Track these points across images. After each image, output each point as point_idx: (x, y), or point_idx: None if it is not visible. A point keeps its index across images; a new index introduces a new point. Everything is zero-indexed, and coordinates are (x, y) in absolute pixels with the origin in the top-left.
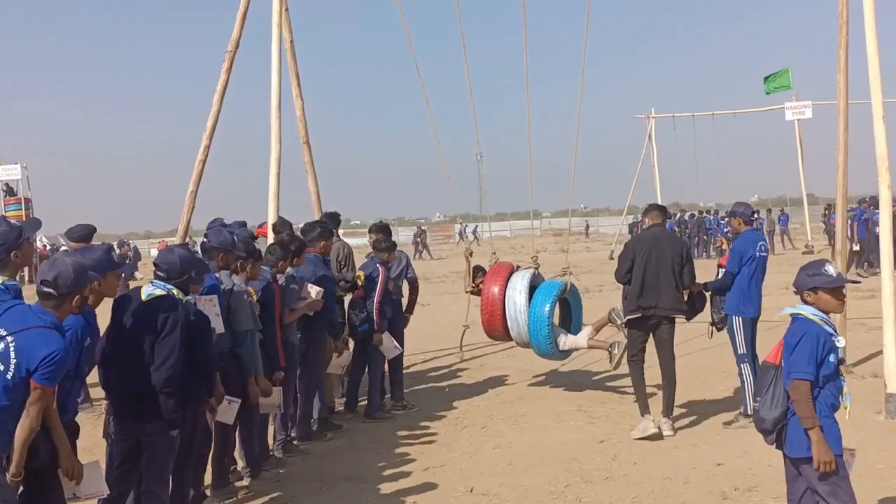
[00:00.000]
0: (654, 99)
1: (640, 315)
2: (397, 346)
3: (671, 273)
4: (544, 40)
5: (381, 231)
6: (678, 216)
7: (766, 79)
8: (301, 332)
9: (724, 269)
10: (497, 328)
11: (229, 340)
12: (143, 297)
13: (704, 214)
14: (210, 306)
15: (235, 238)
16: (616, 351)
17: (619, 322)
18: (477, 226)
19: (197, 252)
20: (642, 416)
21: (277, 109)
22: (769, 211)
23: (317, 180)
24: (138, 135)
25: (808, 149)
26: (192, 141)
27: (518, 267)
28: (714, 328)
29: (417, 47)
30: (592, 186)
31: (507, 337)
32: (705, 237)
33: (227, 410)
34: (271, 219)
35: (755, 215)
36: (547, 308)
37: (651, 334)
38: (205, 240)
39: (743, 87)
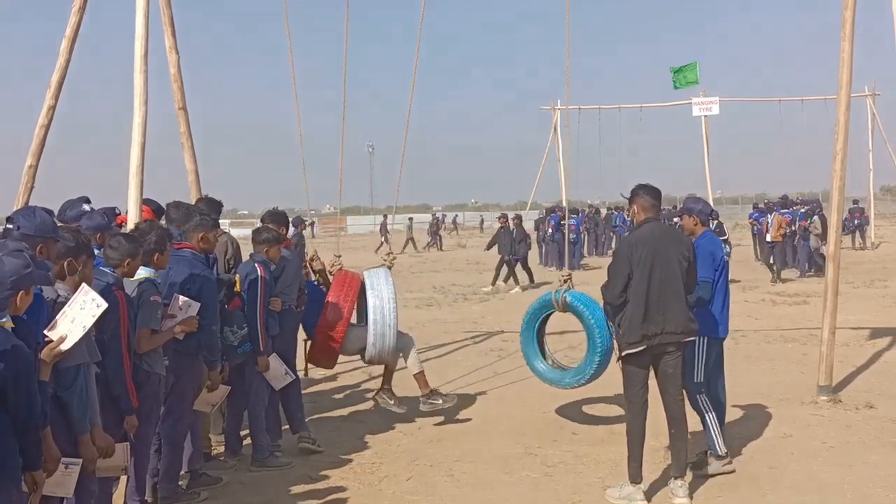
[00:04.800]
0: (559, 90)
1: (644, 347)
2: (288, 371)
3: (680, 284)
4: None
5: (276, 220)
6: (588, 212)
7: (673, 71)
8: (169, 356)
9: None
10: (329, 355)
11: (52, 380)
12: None
13: (612, 211)
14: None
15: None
16: (439, 402)
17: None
18: (456, 215)
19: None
20: (631, 482)
21: (143, 61)
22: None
23: (195, 156)
24: None
25: (714, 146)
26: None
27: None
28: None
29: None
30: (485, 181)
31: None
32: (612, 234)
33: (64, 479)
34: (132, 201)
35: (713, 214)
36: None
37: (652, 368)
38: (10, 226)
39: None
